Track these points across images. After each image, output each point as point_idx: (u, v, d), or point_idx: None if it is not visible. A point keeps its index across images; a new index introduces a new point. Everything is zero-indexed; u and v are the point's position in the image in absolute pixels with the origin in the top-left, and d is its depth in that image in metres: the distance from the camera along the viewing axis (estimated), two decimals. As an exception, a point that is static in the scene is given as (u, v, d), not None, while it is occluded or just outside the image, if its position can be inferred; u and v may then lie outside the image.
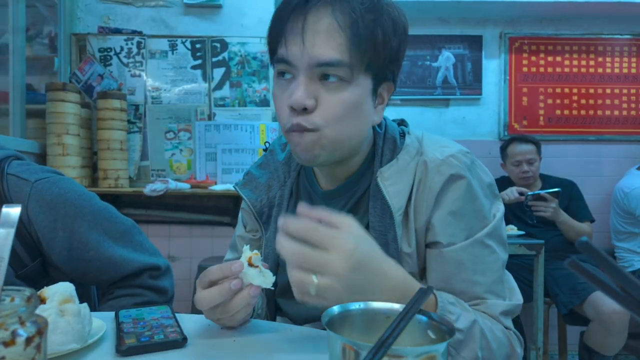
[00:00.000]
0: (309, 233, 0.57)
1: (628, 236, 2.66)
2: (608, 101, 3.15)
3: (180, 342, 0.67)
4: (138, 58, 2.72)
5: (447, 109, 3.14)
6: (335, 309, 0.52)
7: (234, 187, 0.90)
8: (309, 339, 0.71)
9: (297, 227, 0.58)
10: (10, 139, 2.23)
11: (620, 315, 2.07)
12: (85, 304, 0.67)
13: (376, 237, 0.74)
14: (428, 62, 3.11)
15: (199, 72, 2.74)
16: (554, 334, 2.72)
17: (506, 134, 3.10)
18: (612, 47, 3.15)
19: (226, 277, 0.66)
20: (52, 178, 0.97)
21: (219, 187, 2.52)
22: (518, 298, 0.78)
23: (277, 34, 0.72)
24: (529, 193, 2.45)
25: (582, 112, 3.15)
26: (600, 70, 3.15)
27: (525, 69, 3.14)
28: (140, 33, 2.73)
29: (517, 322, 0.89)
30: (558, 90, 3.15)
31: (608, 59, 3.15)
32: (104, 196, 2.35)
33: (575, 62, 3.15)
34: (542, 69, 3.14)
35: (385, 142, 0.80)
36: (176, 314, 0.79)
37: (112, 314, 0.79)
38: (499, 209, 0.78)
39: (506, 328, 0.73)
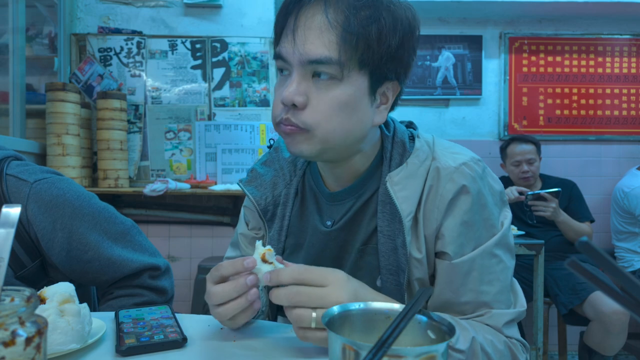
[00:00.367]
0: (303, 276, 0.62)
1: (628, 236, 2.66)
2: (608, 101, 3.15)
3: (180, 342, 0.67)
4: (138, 58, 2.72)
5: (447, 109, 3.15)
6: (335, 309, 0.52)
7: (238, 184, 0.90)
8: (309, 339, 0.71)
9: (289, 275, 0.63)
10: (10, 139, 2.23)
11: (620, 315, 2.07)
12: (85, 304, 0.67)
13: (385, 242, 0.75)
14: (428, 62, 3.11)
15: (198, 72, 2.74)
16: (554, 334, 2.72)
17: (506, 134, 3.10)
18: (612, 47, 3.15)
19: (238, 272, 0.66)
20: (51, 179, 0.96)
21: (218, 187, 2.52)
22: (522, 304, 0.78)
23: (275, 30, 0.73)
24: (529, 193, 2.45)
25: (582, 112, 3.15)
26: (600, 70, 3.15)
27: (525, 69, 3.14)
28: (140, 33, 2.73)
29: (517, 322, 0.89)
30: (558, 90, 3.15)
31: (608, 59, 3.15)
32: (104, 196, 2.36)
33: (575, 62, 3.15)
34: (542, 69, 3.14)
35: (394, 146, 0.79)
36: (176, 314, 0.79)
37: (112, 314, 0.79)
38: (507, 217, 0.78)
39: (510, 337, 0.73)
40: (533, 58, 3.14)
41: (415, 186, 0.74)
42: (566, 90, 3.15)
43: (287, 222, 0.85)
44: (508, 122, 3.13)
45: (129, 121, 2.68)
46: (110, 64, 2.71)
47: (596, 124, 3.15)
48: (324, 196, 0.83)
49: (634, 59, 3.16)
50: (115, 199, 2.67)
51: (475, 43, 3.12)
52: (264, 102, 2.74)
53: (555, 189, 2.43)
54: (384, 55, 0.69)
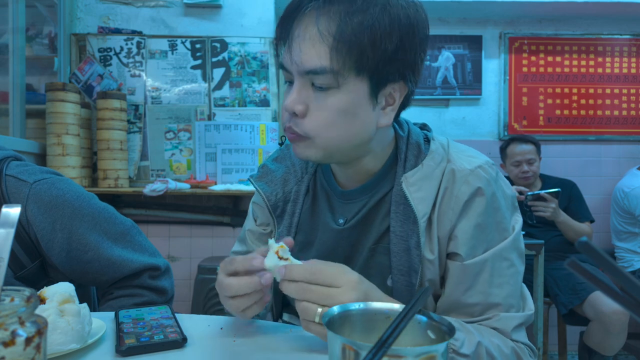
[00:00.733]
0: (315, 276, 0.63)
1: (628, 236, 2.66)
2: (608, 101, 3.15)
3: (180, 342, 0.67)
4: (138, 58, 2.72)
5: (447, 109, 3.15)
6: (335, 309, 0.52)
7: (248, 179, 0.91)
8: (309, 339, 0.71)
9: (302, 274, 0.63)
10: (10, 139, 2.23)
11: (620, 315, 2.07)
12: (85, 304, 0.67)
13: (397, 242, 0.75)
14: (428, 62, 3.11)
15: (198, 72, 2.74)
16: (554, 334, 2.72)
17: (506, 134, 3.10)
18: (612, 47, 3.15)
19: (250, 271, 0.67)
20: (50, 179, 0.96)
21: (218, 187, 2.52)
22: (530, 307, 0.78)
23: (276, 41, 0.74)
24: (529, 193, 2.45)
25: (582, 112, 3.15)
26: (600, 70, 3.15)
27: (525, 69, 3.14)
28: (140, 33, 2.73)
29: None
30: (558, 90, 3.15)
31: (608, 59, 3.15)
32: (104, 196, 2.35)
33: (575, 62, 3.15)
34: (542, 69, 3.14)
35: (409, 147, 0.80)
36: (176, 314, 0.79)
37: (112, 314, 0.79)
38: (518, 221, 0.78)
39: (517, 341, 0.74)
40: (533, 58, 3.14)
41: (431, 188, 0.75)
42: (566, 90, 3.15)
43: (297, 219, 0.86)
44: (508, 122, 3.13)
45: (129, 121, 2.68)
46: (110, 64, 2.71)
47: (596, 124, 3.15)
48: (336, 194, 0.84)
49: (634, 59, 3.16)
50: (115, 199, 2.67)
51: (475, 43, 3.12)
52: (264, 102, 2.74)
53: (555, 189, 2.44)
54: (381, 59, 0.67)
